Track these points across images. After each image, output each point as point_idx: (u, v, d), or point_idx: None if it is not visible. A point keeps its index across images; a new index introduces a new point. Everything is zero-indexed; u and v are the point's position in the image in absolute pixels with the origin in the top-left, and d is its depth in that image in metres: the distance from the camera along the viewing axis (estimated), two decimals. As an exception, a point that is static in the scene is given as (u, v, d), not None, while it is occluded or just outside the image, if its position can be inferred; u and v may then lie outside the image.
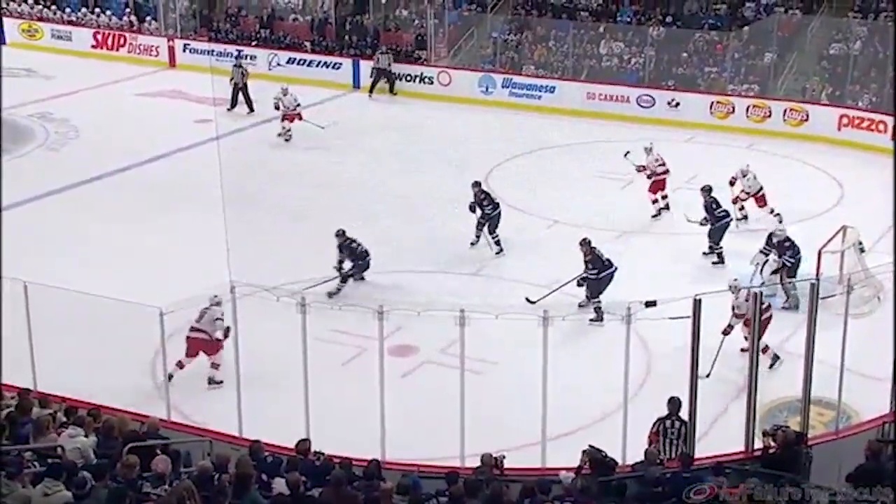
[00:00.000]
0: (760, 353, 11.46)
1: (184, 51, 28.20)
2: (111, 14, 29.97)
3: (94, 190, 19.09)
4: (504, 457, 9.21)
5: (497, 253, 16.00)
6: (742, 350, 11.82)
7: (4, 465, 7.49)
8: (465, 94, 25.15)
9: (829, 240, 14.32)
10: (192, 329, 12.29)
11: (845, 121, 21.87)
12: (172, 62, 28.21)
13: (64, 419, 9.36)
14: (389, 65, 25.87)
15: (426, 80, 25.84)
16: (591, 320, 13.31)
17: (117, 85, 25.98)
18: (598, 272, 13.91)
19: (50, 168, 20.20)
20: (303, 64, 27.01)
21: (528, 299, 13.67)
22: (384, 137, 22.38)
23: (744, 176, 16.63)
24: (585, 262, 13.98)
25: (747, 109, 22.93)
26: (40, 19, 30.19)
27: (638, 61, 25.04)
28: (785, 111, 22.58)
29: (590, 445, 8.95)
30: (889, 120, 21.00)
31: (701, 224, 15.47)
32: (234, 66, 24.00)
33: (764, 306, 11.48)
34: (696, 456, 9.31)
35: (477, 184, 16.43)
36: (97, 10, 30.27)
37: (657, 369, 12.22)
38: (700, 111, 23.10)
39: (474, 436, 9.88)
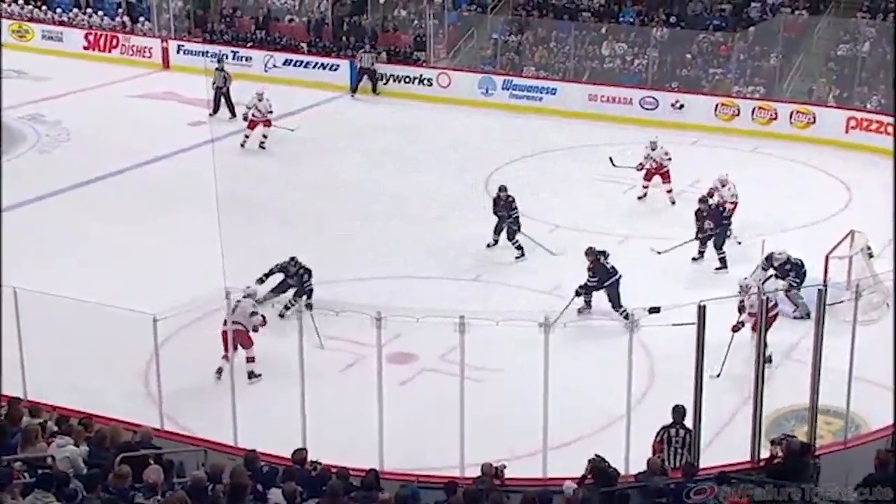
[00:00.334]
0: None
1: (178, 52, 28.20)
2: (103, 14, 29.99)
3: (86, 193, 19.09)
4: (505, 466, 9.20)
5: (518, 258, 16.03)
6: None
7: (-6, 476, 7.48)
8: (465, 95, 25.16)
9: (837, 245, 14.31)
10: (226, 322, 12.39)
11: (853, 123, 21.88)
12: (166, 64, 28.22)
13: (55, 428, 9.34)
14: (372, 64, 25.89)
15: (425, 81, 25.86)
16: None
17: (110, 87, 26.00)
18: (599, 281, 13.93)
19: (41, 171, 20.20)
20: (299, 66, 27.03)
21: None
22: (382, 140, 22.39)
23: (723, 186, 16.37)
24: (588, 269, 13.98)
25: (753, 112, 22.94)
26: (31, 20, 30.21)
27: (641, 63, 25.06)
28: (791, 113, 22.59)
29: (595, 455, 8.94)
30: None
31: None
32: (216, 69, 23.71)
33: (771, 304, 11.85)
34: (701, 466, 9.30)
35: (504, 188, 16.40)
36: (89, 10, 30.31)
37: (661, 377, 12.21)
38: (704, 113, 23.12)
39: (474, 445, 9.87)
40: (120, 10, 30.01)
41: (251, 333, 12.64)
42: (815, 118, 22.36)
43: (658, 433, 9.79)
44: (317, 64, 26.95)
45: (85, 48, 29.18)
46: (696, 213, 15.83)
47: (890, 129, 21.14)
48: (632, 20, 25.88)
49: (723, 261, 15.56)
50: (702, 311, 9.30)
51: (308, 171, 20.42)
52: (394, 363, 12.03)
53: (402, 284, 14.99)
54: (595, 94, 24.27)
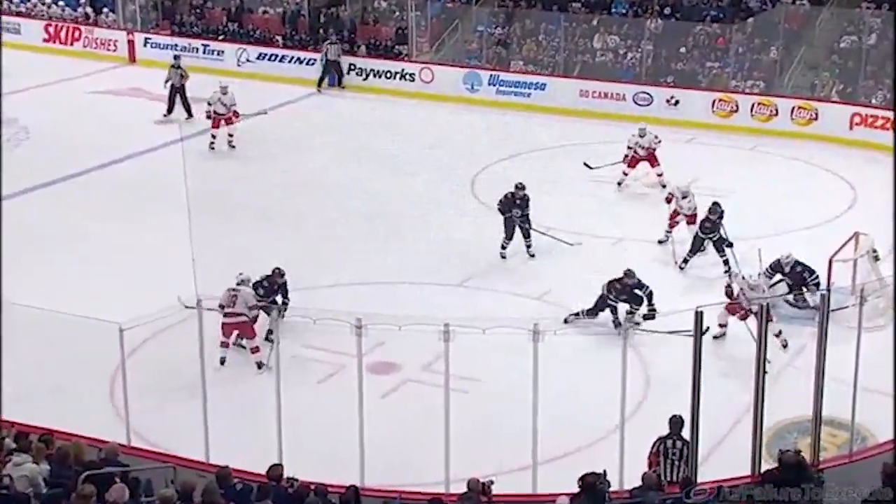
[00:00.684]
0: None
1: (144, 45, 28.14)
2: (64, 5, 29.86)
3: (48, 195, 19.02)
4: (492, 482, 9.21)
5: (533, 256, 16.31)
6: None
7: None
8: (449, 91, 25.19)
9: (841, 247, 14.40)
10: (229, 315, 12.89)
11: (857, 119, 21.99)
12: (132, 58, 28.15)
13: (13, 446, 9.29)
14: (339, 56, 25.91)
15: (407, 76, 25.88)
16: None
17: (72, 82, 25.92)
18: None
19: (-2, 172, 20.10)
20: (274, 59, 27.00)
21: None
22: (362, 138, 22.38)
23: (683, 197, 16.21)
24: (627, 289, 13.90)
25: (752, 108, 23.04)
26: (-14, 10, 30.08)
27: (634, 56, 25.14)
28: (792, 109, 22.69)
29: (592, 473, 8.98)
30: (905, 119, 21.20)
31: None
32: (172, 66, 23.29)
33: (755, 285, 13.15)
34: (699, 480, 9.34)
35: (523, 185, 16.47)
36: (49, 0, 30.21)
37: (656, 386, 12.26)
38: (701, 110, 23.20)
39: (460, 459, 9.88)
40: (82, 0, 29.91)
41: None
42: (817, 114, 22.46)
43: (654, 445, 9.83)
44: (292, 58, 26.94)
45: (45, 41, 29.10)
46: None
47: (896, 125, 21.32)
48: (625, 11, 25.96)
49: (727, 262, 15.60)
50: (699, 317, 9.34)
51: (283, 170, 20.40)
52: (375, 373, 12.04)
53: (384, 290, 15.00)
54: (586, 89, 24.31)
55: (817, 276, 14.24)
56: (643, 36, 25.07)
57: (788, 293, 14.16)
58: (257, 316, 13.20)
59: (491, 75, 25.24)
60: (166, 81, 23.26)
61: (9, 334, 11.98)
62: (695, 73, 24.52)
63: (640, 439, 9.93)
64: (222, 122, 21.36)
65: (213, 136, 21.37)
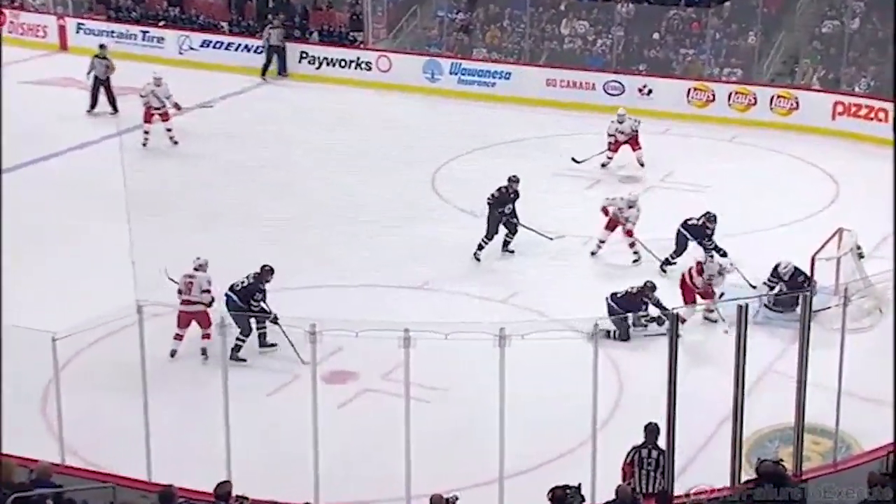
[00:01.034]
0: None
1: (77, 31, 27.93)
2: (-14, -14, 29.55)
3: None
4: (457, 497, 9.24)
5: (512, 252, 16.52)
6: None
7: None
8: (408, 81, 25.20)
9: (824, 244, 14.54)
10: (186, 302, 13.14)
11: (840, 108, 22.24)
12: (63, 45, 27.94)
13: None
14: (281, 41, 25.86)
15: (363, 65, 25.85)
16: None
17: (-4, 71, 25.66)
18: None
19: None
20: (219, 47, 26.90)
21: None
22: (316, 131, 22.35)
23: (630, 207, 16.05)
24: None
25: (729, 97, 23.23)
26: None
27: (604, 43, 25.27)
28: (772, 98, 22.91)
29: (578, 484, 9.06)
30: (890, 107, 21.40)
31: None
32: (97, 56, 22.96)
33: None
34: (676, 492, 9.41)
35: (517, 179, 16.57)
36: (-33, -20, 29.83)
37: (630, 392, 12.35)
38: (676, 99, 23.36)
39: (422, 474, 9.89)
40: (7, -19, 29.61)
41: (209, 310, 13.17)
42: (798, 103, 22.69)
43: (628, 454, 9.89)
44: (239, 45, 26.83)
45: (-35, 26, 28.81)
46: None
47: (881, 114, 21.54)
48: (594, -5, 26.10)
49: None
50: (674, 319, 9.41)
51: (229, 167, 20.31)
52: (331, 383, 12.05)
53: (339, 293, 14.98)
54: (553, 78, 24.41)
55: (814, 285, 14.37)
56: (613, 21, 25.19)
57: (786, 299, 14.29)
58: (212, 301, 13.30)
59: (452, 64, 25.27)
60: (89, 72, 22.94)
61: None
62: (668, 60, 24.69)
63: (613, 449, 9.99)
64: (156, 116, 21.11)
65: (146, 132, 21.13)
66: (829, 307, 12.50)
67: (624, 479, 9.73)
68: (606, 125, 19.99)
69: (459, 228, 17.43)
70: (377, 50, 26.17)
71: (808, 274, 14.29)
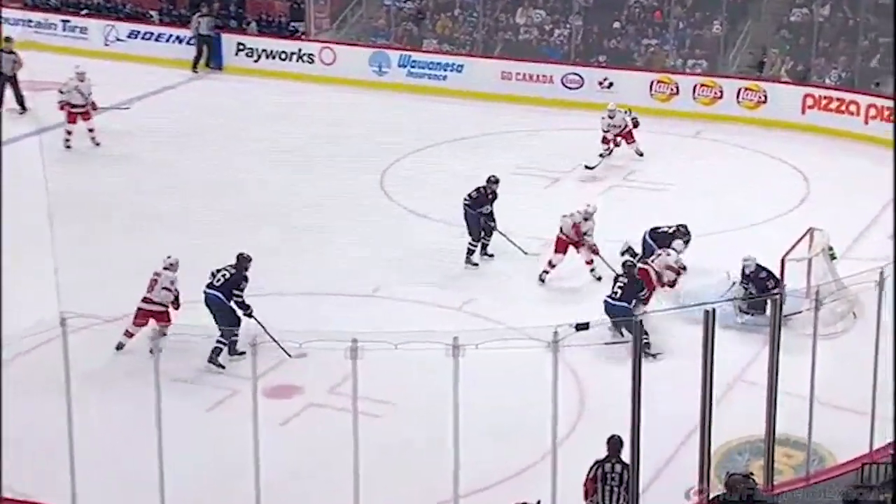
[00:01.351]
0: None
1: (-10, 21, 27.67)
2: None
3: None
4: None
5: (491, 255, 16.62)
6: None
7: None
8: (354, 74, 25.20)
9: (794, 245, 14.67)
10: (146, 300, 13.56)
11: (810, 101, 22.49)
12: (-29, 35, 27.63)
13: None
14: (211, 30, 25.79)
15: (305, 57, 25.81)
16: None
17: None
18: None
19: None
20: (148, 38, 26.75)
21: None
22: (254, 128, 22.27)
23: (585, 219, 15.82)
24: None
25: (694, 90, 23.43)
26: None
27: (562, 33, 25.38)
28: (739, 91, 23.13)
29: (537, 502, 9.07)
30: (862, 100, 21.67)
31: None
32: (2, 50, 22.59)
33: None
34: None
35: (497, 180, 16.60)
36: None
37: (593, 403, 12.42)
38: (638, 93, 23.49)
39: (372, 493, 9.88)
40: None
41: (171, 310, 13.58)
42: (766, 96, 22.93)
43: (591, 469, 9.93)
44: (170, 37, 26.71)
45: None
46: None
47: (853, 107, 21.83)
48: (551, -18, 26.21)
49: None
50: (638, 326, 9.47)
51: (160, 168, 20.18)
52: (274, 398, 11.99)
53: (282, 302, 14.92)
54: (509, 71, 24.51)
55: (783, 288, 14.51)
56: (571, 10, 25.31)
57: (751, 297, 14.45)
58: (174, 301, 13.63)
59: (401, 56, 25.30)
60: None
61: None
62: (630, 51, 24.84)
63: (575, 463, 10.03)
64: (78, 116, 20.84)
65: (69, 133, 20.86)
66: (800, 311, 12.65)
67: (586, 496, 9.79)
68: (564, 121, 20.09)
69: (410, 231, 17.45)
70: (320, 41, 26.13)
71: (772, 271, 14.42)
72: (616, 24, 25.15)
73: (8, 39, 23.09)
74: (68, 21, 27.09)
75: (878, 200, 17.43)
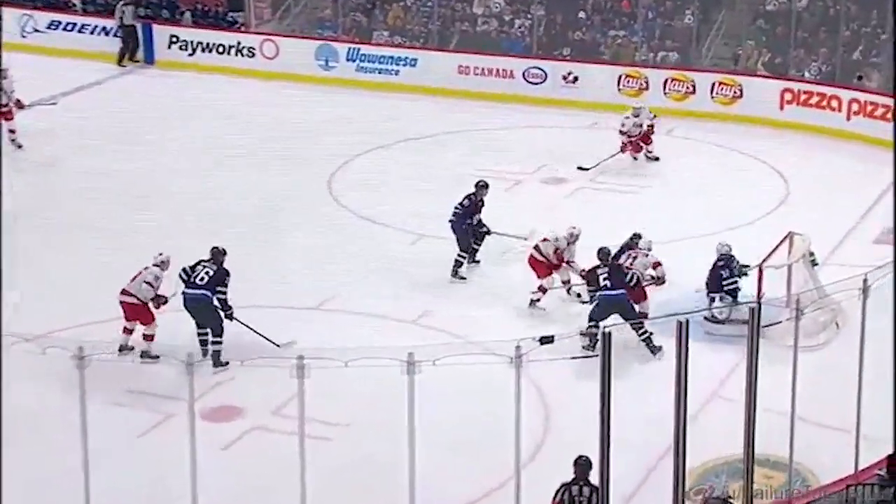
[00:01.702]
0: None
1: None
2: None
3: None
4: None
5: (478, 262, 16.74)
6: None
7: None
8: (298, 69, 25.19)
9: (773, 251, 14.79)
10: (124, 292, 13.89)
11: (789, 97, 22.69)
12: None
13: None
14: (136, 20, 25.73)
15: (245, 51, 25.75)
16: (584, 347, 13.75)
17: None
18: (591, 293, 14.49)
19: None
20: (71, 29, 26.60)
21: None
22: (190, 128, 22.20)
23: (569, 245, 15.61)
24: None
25: (665, 84, 23.58)
26: None
27: (523, 24, 25.46)
28: (713, 86, 23.31)
29: None
30: (844, 95, 21.88)
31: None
32: None
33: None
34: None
35: (486, 184, 16.79)
36: None
37: (558, 423, 12.47)
38: (604, 88, 23.65)
39: (321, 524, 9.89)
40: None
41: (151, 308, 13.86)
42: (742, 91, 23.12)
43: (557, 492, 9.99)
44: (95, 27, 26.55)
45: None
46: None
47: (834, 102, 22.04)
48: (510, -32, 26.31)
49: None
50: (607, 338, 9.50)
51: (86, 172, 20.03)
52: (212, 421, 11.95)
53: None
54: (466, 64, 24.56)
55: (735, 282, 14.68)
56: (533, -1, 25.44)
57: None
58: (155, 297, 13.85)
59: (350, 49, 25.31)
60: None
61: None
62: (596, 43, 24.95)
63: (541, 486, 10.07)
64: (12, 112, 20.75)
65: None
66: (779, 321, 12.74)
67: (553, 523, 9.84)
68: (527, 118, 20.11)
69: (360, 238, 17.44)
70: (261, 33, 26.10)
71: (732, 266, 14.71)
72: (581, 15, 25.26)
73: None
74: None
75: (861, 202, 17.65)
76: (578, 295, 15.53)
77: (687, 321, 9.44)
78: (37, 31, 26.57)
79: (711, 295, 14.80)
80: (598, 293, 14.26)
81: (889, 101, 20.79)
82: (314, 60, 25.34)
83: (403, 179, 19.76)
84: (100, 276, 15.31)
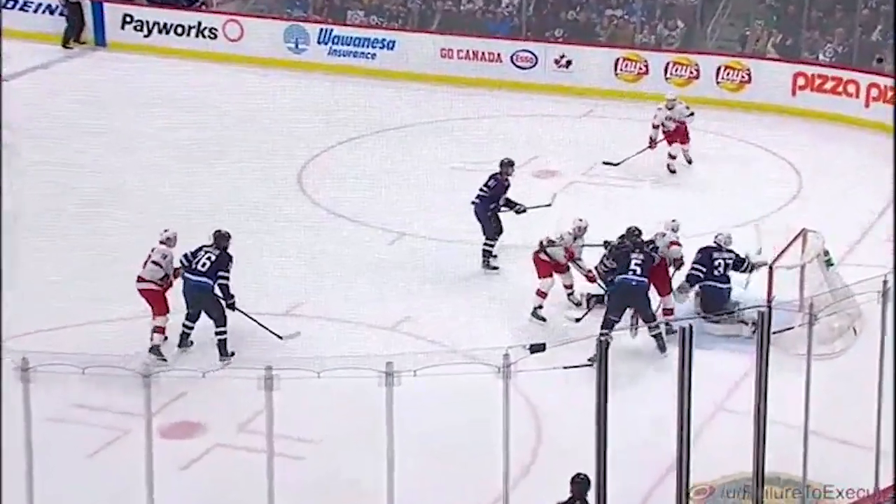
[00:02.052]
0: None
1: None
2: None
3: None
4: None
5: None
6: None
7: None
8: (266, 52, 25.22)
9: (784, 249, 14.83)
10: (139, 279, 14.16)
11: (801, 81, 22.75)
12: None
13: None
14: None
15: (206, 32, 25.73)
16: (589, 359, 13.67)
17: None
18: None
19: None
20: (11, 7, 26.49)
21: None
22: (146, 117, 22.15)
23: (575, 239, 15.52)
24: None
25: (666, 69, 23.63)
26: None
27: (511, 3, 25.48)
28: (719, 70, 23.37)
29: None
30: (862, 79, 21.94)
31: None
32: None
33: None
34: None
35: (511, 162, 16.89)
36: None
37: (552, 437, 12.49)
38: (601, 72, 23.70)
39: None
40: None
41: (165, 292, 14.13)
42: (750, 75, 23.17)
43: (550, 514, 10.03)
44: (40, 6, 26.50)
45: None
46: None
47: (851, 87, 22.09)
48: (497, -57, 26.33)
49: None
50: (603, 346, 9.52)
51: (29, 167, 19.95)
52: (171, 438, 11.93)
53: (178, 323, 14.83)
54: (449, 47, 24.58)
55: (727, 278, 14.74)
56: (522, -25, 25.47)
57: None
58: (165, 277, 14.14)
59: (322, 30, 25.31)
60: None
61: None
62: (591, 24, 24.99)
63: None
64: None
65: None
66: (791, 327, 12.75)
67: (546, 547, 9.85)
68: (517, 105, 20.09)
69: (333, 236, 17.44)
70: (224, 13, 26.11)
71: (728, 258, 14.90)
72: (575, -7, 25.32)
73: None
74: None
75: (880, 196, 17.66)
76: (577, 304, 15.57)
77: (690, 327, 9.46)
78: (-24, 12, 26.54)
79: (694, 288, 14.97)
80: (618, 277, 14.34)
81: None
82: (282, 42, 25.34)
83: (381, 173, 19.76)
84: (48, 281, 15.25)
